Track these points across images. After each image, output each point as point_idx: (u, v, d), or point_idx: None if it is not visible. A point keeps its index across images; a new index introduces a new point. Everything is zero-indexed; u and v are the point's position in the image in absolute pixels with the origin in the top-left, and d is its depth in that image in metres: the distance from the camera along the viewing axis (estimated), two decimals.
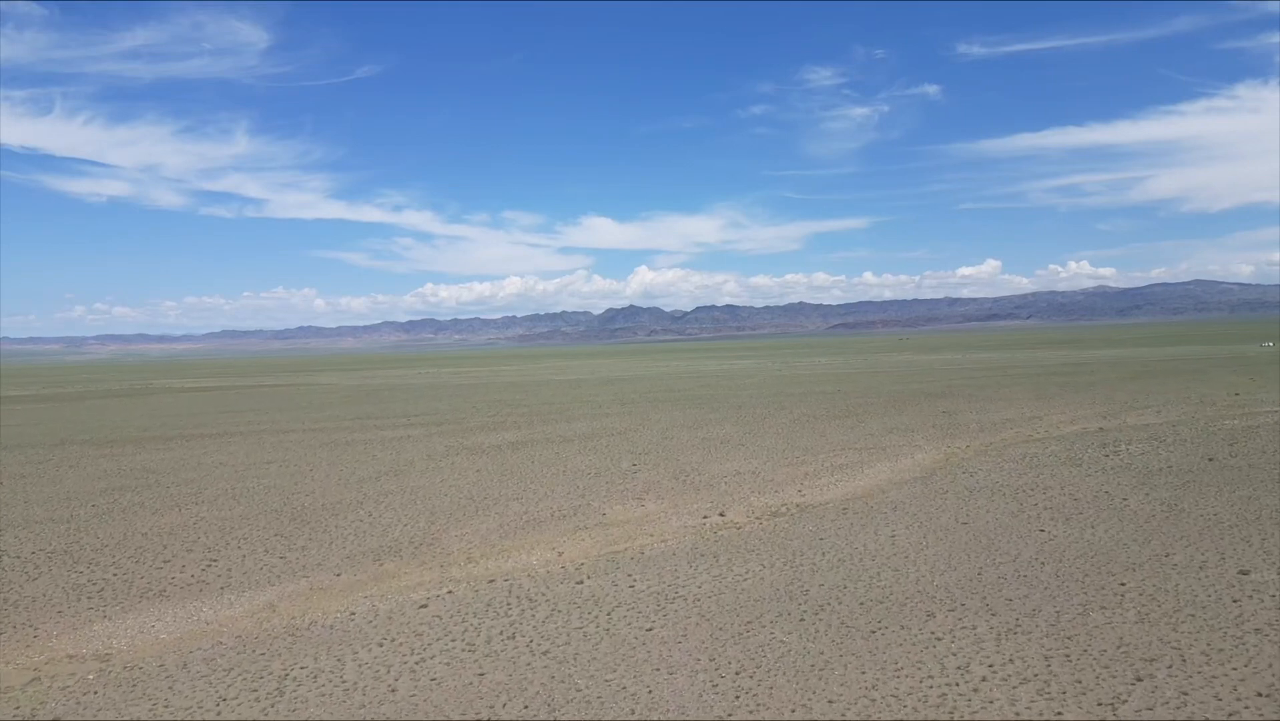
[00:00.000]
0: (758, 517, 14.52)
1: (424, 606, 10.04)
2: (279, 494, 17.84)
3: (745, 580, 10.59)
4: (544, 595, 10.29)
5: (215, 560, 12.54)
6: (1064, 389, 38.41)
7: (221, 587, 11.17)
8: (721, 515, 14.82)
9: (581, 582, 10.77)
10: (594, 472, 19.55)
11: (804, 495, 16.27)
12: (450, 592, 10.58)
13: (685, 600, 9.89)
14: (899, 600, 9.60)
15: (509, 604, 10.01)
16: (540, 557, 12.24)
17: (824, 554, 11.70)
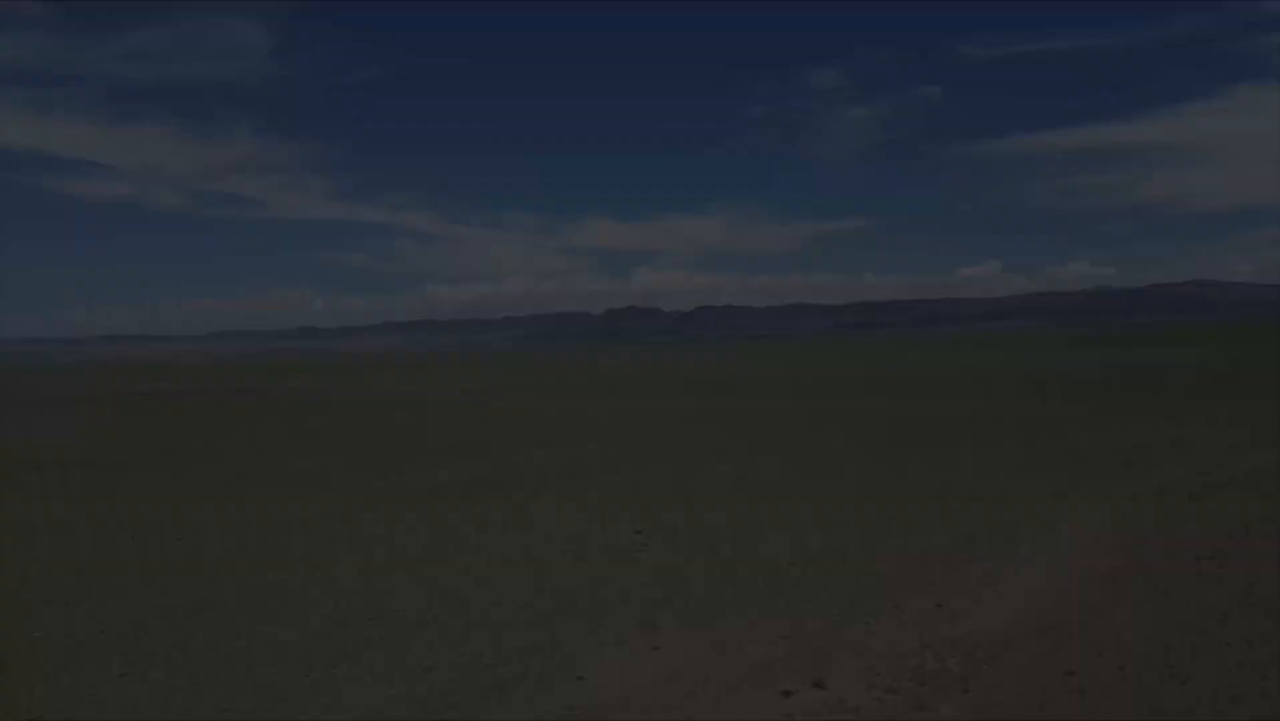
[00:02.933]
0: (893, 692, 7.11)
1: None
2: None
3: None
4: None
5: None
6: (1188, 400, 31.05)
7: None
8: (819, 686, 7.36)
9: None
10: (573, 551, 12.03)
11: (954, 617, 8.83)
12: None
13: None
14: None
15: None
16: None
17: None
